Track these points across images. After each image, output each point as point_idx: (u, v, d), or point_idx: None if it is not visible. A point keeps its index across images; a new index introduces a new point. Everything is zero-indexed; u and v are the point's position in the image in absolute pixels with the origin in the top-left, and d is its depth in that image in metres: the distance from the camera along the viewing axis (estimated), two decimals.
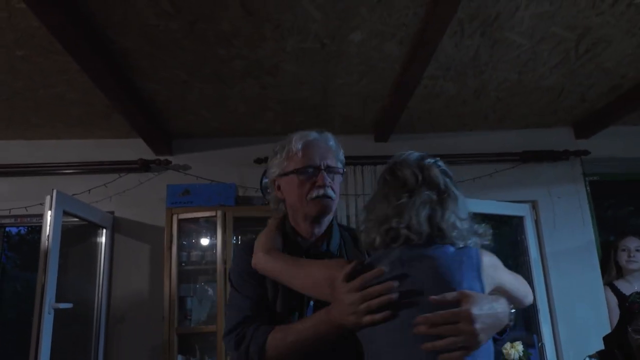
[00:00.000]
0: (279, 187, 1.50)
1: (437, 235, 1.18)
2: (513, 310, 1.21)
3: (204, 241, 3.51)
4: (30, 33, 2.34)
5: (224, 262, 3.17)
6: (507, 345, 3.04)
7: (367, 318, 1.13)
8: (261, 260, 1.37)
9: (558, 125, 3.89)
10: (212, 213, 3.28)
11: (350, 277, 1.18)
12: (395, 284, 1.13)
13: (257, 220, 3.33)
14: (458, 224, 1.19)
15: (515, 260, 4.04)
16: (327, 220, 1.48)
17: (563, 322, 3.54)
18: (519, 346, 3.03)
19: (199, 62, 2.70)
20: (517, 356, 3.00)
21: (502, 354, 3.07)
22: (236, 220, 3.27)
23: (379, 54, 2.67)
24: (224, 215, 3.25)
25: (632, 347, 2.15)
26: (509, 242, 4.17)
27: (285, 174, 1.47)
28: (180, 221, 3.30)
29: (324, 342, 1.24)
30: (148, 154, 3.65)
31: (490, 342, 1.14)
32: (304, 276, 1.28)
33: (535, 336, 3.61)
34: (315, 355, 1.27)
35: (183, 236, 3.41)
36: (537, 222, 3.77)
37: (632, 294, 2.25)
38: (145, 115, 3.18)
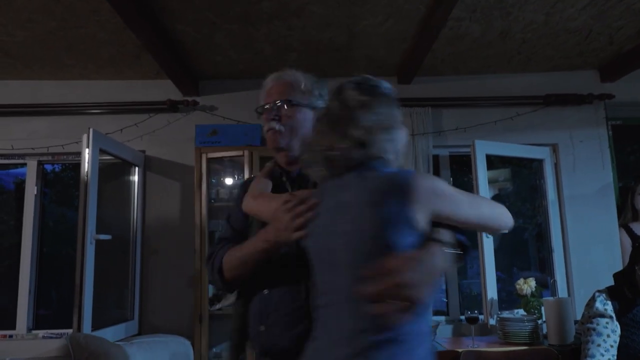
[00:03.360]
0: None
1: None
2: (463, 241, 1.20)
3: (230, 180, 3.66)
4: None
5: None
6: (521, 280, 3.18)
7: (295, 234, 1.27)
8: (247, 203, 1.49)
9: (584, 68, 3.85)
10: (240, 152, 3.40)
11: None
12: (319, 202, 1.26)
13: None
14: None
15: (533, 203, 4.11)
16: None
17: (577, 262, 3.62)
18: (532, 282, 3.16)
19: (227, 4, 2.73)
20: (529, 291, 3.13)
21: (515, 288, 3.21)
22: (262, 160, 3.39)
23: None
24: (251, 155, 3.37)
25: (638, 284, 2.26)
26: (528, 186, 4.23)
27: None
28: (208, 160, 3.44)
29: (261, 258, 1.38)
30: (176, 95, 3.75)
31: None
32: (266, 210, 1.41)
33: (549, 278, 3.72)
34: (270, 273, 1.41)
35: (211, 174, 3.55)
36: (556, 166, 3.79)
37: None
38: (173, 56, 3.25)
